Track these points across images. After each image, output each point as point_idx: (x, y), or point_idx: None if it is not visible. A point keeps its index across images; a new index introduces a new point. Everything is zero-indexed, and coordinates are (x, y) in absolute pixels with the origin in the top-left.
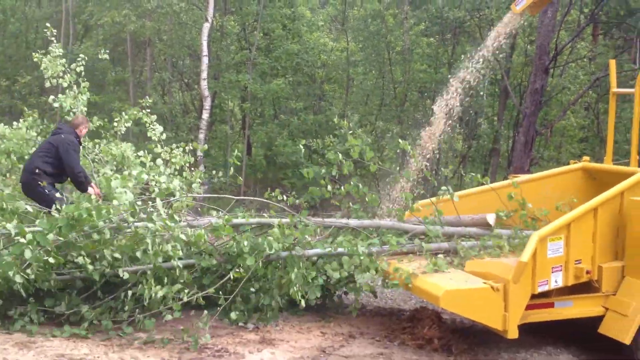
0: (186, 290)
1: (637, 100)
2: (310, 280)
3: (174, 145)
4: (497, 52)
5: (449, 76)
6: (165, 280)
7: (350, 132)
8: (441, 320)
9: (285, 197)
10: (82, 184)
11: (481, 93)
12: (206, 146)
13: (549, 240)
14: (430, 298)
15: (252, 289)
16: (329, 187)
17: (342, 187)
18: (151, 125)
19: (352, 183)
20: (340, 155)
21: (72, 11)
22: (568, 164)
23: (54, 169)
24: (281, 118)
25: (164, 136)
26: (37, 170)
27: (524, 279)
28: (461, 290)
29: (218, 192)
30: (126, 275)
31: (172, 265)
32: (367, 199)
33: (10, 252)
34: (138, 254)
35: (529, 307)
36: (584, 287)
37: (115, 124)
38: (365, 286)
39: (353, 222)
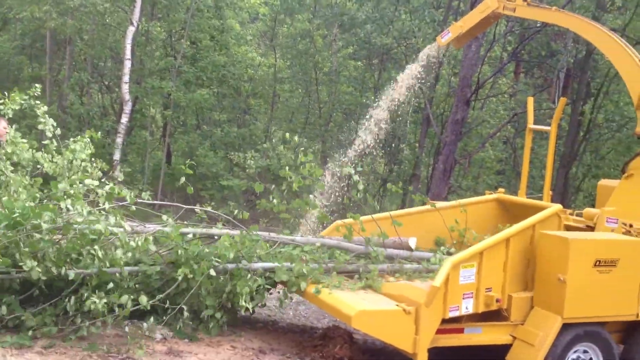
0: (131, 297)
1: (551, 138)
2: (255, 289)
3: (73, 139)
4: (420, 79)
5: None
6: (111, 284)
7: (302, 149)
8: (353, 340)
9: (235, 211)
10: None
11: (405, 118)
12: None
13: (462, 267)
14: (343, 317)
15: (201, 299)
16: (275, 201)
17: (291, 203)
18: (42, 118)
19: (303, 198)
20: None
21: None
22: (484, 194)
23: None
24: (204, 129)
25: (58, 131)
26: None
27: (435, 303)
28: (374, 311)
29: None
30: (72, 276)
31: (116, 270)
32: (316, 215)
33: None
34: (82, 257)
35: (439, 332)
36: (493, 315)
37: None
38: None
39: (299, 238)
